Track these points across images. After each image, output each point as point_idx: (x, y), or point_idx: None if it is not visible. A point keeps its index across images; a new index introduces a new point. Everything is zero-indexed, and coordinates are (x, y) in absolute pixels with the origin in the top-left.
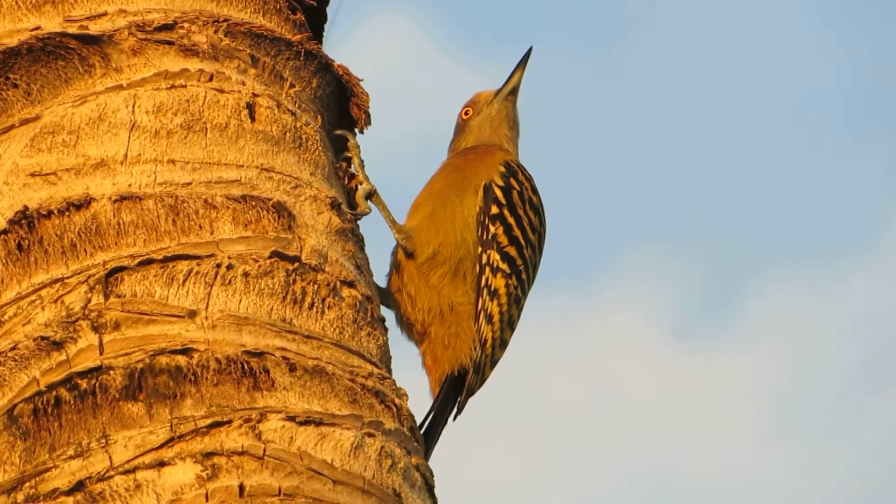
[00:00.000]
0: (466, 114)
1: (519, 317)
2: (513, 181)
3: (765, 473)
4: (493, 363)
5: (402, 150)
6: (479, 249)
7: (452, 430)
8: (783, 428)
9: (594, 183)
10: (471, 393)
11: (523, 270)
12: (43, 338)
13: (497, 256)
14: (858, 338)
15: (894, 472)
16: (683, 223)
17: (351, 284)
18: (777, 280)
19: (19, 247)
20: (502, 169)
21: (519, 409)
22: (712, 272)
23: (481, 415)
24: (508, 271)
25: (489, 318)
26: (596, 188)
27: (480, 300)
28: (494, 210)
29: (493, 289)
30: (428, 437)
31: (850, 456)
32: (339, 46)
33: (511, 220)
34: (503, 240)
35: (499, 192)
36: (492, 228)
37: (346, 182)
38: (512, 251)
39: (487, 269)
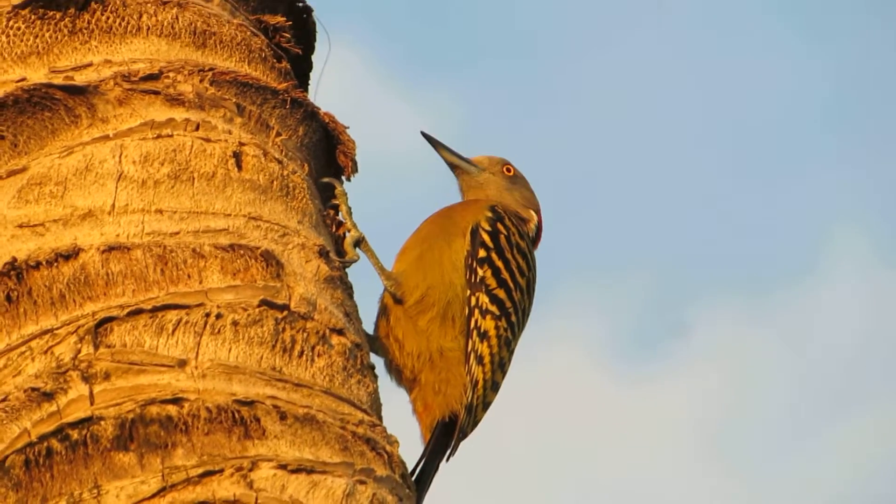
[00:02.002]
0: (508, 171)
1: (510, 360)
2: (500, 225)
3: (707, 501)
4: (486, 406)
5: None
6: (468, 292)
7: (444, 475)
8: (723, 454)
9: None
10: (464, 435)
11: (513, 313)
12: (33, 389)
13: (486, 299)
14: (797, 364)
15: (835, 498)
16: (621, 252)
17: (340, 332)
18: (715, 308)
19: (8, 298)
20: (489, 214)
21: (472, 444)
22: (650, 301)
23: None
24: (498, 313)
25: (479, 360)
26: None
27: (470, 342)
28: (482, 253)
29: (482, 331)
30: (419, 483)
31: (791, 482)
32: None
33: (499, 263)
34: (491, 282)
35: (486, 236)
36: (480, 271)
37: (333, 230)
38: (501, 293)
39: (476, 311)
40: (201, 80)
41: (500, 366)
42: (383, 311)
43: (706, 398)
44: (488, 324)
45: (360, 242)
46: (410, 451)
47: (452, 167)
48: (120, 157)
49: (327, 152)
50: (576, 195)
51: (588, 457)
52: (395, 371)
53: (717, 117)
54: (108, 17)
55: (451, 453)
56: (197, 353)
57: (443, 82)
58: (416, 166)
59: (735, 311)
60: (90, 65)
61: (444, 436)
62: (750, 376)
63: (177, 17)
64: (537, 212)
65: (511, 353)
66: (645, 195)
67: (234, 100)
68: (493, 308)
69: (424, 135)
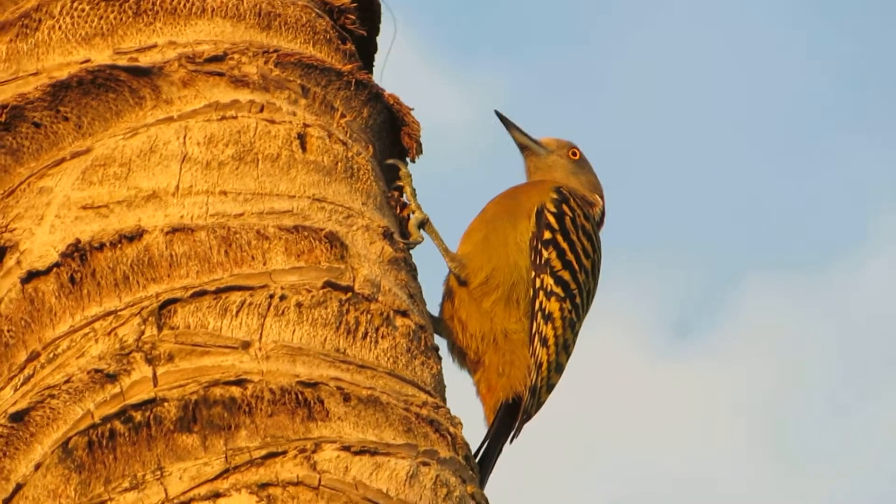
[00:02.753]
0: (574, 154)
1: (574, 342)
2: (565, 207)
3: (753, 480)
4: (550, 388)
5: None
6: (533, 274)
7: (508, 457)
8: (770, 434)
9: None
10: (528, 417)
11: (577, 295)
12: (97, 370)
13: (551, 281)
14: (843, 343)
15: (881, 476)
16: (665, 231)
17: (404, 314)
18: (760, 287)
19: (72, 279)
20: (554, 195)
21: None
22: (694, 280)
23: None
24: (562, 295)
25: (544, 342)
26: None
27: (535, 324)
28: (547, 235)
29: (547, 312)
30: (483, 465)
31: (836, 460)
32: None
33: (564, 245)
34: (556, 264)
35: (551, 218)
36: (545, 253)
37: (398, 211)
38: (566, 275)
39: (541, 293)
40: (266, 62)
41: (565, 347)
42: (448, 294)
43: (752, 378)
44: (553, 305)
45: (424, 224)
46: (474, 433)
47: (522, 148)
48: (184, 138)
49: (392, 134)
50: (619, 176)
51: (633, 438)
52: (459, 353)
53: (761, 94)
54: None
55: (515, 435)
56: (261, 334)
57: (488, 64)
58: (464, 146)
59: (780, 290)
60: (154, 46)
61: (508, 417)
62: (797, 354)
63: None
64: (602, 196)
65: (575, 334)
66: (690, 175)
67: (298, 81)
68: (558, 290)
69: (498, 114)
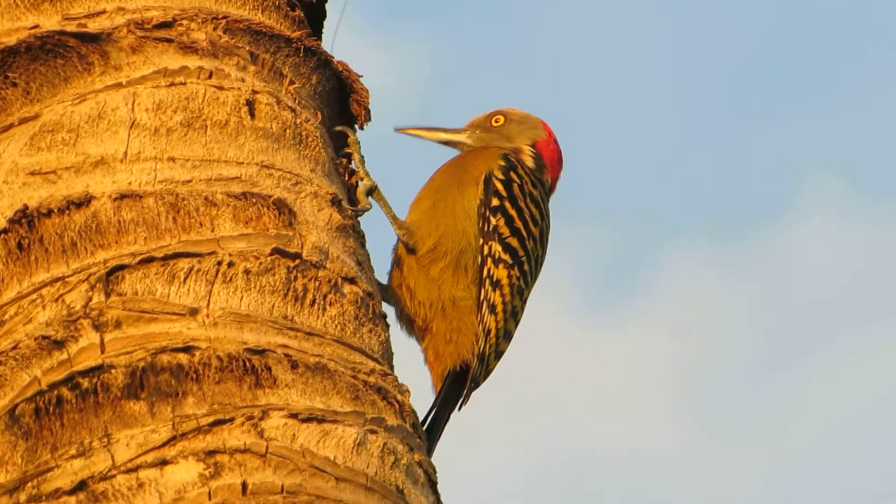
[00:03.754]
0: (497, 121)
1: (523, 309)
2: (513, 174)
3: (675, 448)
4: (498, 355)
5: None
6: (481, 241)
7: (456, 424)
8: (690, 401)
9: None
10: (476, 384)
11: (525, 262)
12: (44, 337)
13: (499, 247)
14: (765, 312)
15: (800, 446)
16: (587, 196)
17: (352, 281)
18: (683, 254)
19: (20, 246)
20: (502, 162)
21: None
22: (618, 246)
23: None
24: (510, 262)
25: (492, 308)
26: None
27: (483, 291)
28: (495, 202)
29: (495, 279)
30: (430, 433)
31: (757, 429)
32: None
33: (512, 212)
34: (504, 231)
35: (499, 185)
36: (493, 220)
37: (346, 178)
38: (514, 242)
39: (489, 259)
40: (215, 28)
41: (513, 315)
42: (396, 261)
43: (674, 344)
44: (501, 272)
45: (372, 191)
46: (422, 400)
47: (446, 144)
48: (133, 104)
49: (341, 101)
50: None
51: (552, 405)
52: (407, 320)
53: (687, 58)
54: None
55: (463, 403)
56: (208, 301)
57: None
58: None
59: (705, 257)
60: (103, 12)
61: (456, 385)
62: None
63: None
64: (536, 141)
65: (524, 302)
66: (612, 139)
67: (247, 48)
68: (506, 257)
69: (401, 130)
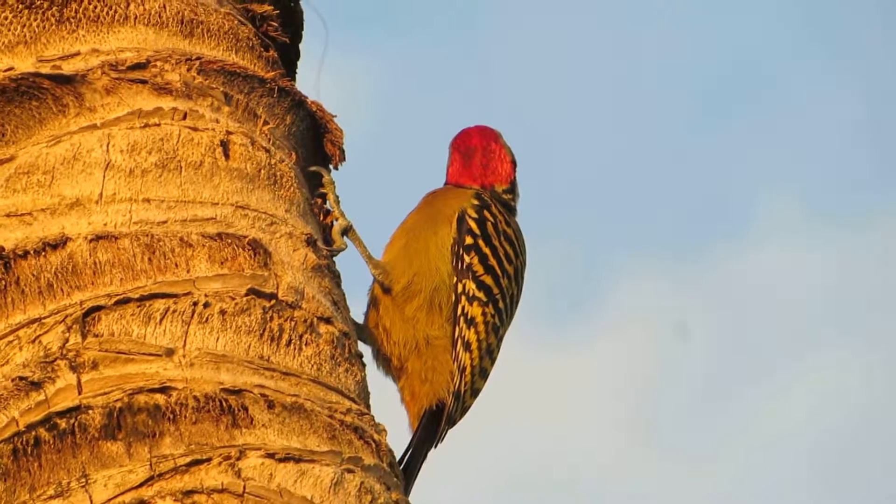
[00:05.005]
0: None
1: (498, 347)
2: (486, 213)
3: (623, 467)
4: (475, 392)
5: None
6: (455, 279)
7: (433, 462)
8: (640, 420)
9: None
10: (452, 423)
11: (500, 299)
12: (21, 378)
13: (473, 285)
14: (717, 330)
15: (756, 466)
16: (542, 213)
17: (328, 321)
18: (638, 272)
19: None
20: (475, 201)
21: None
22: (569, 262)
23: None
24: (485, 300)
25: (467, 346)
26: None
27: (457, 328)
28: (469, 241)
29: (469, 317)
30: (407, 472)
31: (709, 449)
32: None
33: (486, 250)
34: (479, 269)
35: (472, 224)
36: (466, 258)
37: (321, 218)
38: (488, 280)
39: (463, 297)
40: (189, 69)
41: (489, 352)
42: (372, 301)
43: (626, 365)
44: (475, 310)
45: (347, 231)
46: (399, 439)
47: None
48: (107, 146)
49: (315, 141)
50: None
51: (506, 425)
52: (383, 360)
53: (643, 74)
54: (95, 6)
55: (439, 441)
56: (185, 341)
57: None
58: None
59: (660, 274)
60: (78, 54)
61: (433, 424)
62: (672, 342)
63: (164, 6)
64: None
65: (500, 339)
66: (566, 155)
67: (221, 89)
68: (481, 294)
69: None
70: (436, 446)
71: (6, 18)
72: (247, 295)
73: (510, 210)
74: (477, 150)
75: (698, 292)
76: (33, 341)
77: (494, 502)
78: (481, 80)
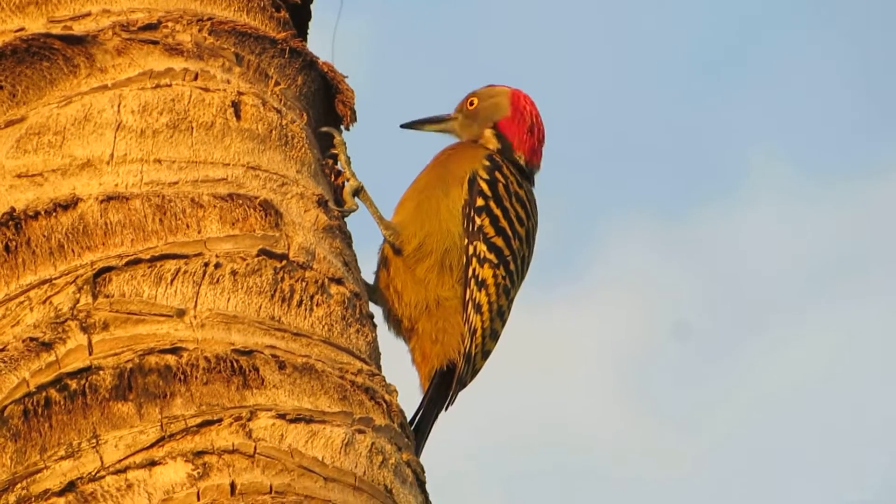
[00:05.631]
0: (471, 104)
1: (509, 308)
2: (497, 174)
3: (619, 430)
4: (485, 354)
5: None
6: (466, 241)
7: (443, 423)
8: (630, 381)
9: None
10: (462, 385)
11: (511, 261)
12: (32, 339)
13: (484, 247)
14: (711, 292)
15: (742, 428)
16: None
17: (339, 281)
18: (628, 232)
19: (7, 248)
20: (486, 162)
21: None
22: (561, 223)
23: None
24: (496, 262)
25: (478, 308)
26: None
27: (468, 290)
28: (480, 202)
29: (480, 279)
30: (418, 432)
31: (701, 411)
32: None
33: (497, 212)
34: (490, 230)
35: (484, 185)
36: (478, 220)
37: (332, 179)
38: (499, 241)
39: (474, 259)
40: (200, 30)
41: (500, 314)
42: (383, 262)
43: (616, 325)
44: (486, 272)
45: (358, 191)
46: (409, 400)
47: (442, 132)
48: (118, 106)
49: (326, 102)
50: None
51: (496, 386)
52: (394, 321)
53: (632, 35)
54: None
55: (450, 403)
56: (195, 302)
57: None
58: None
59: (650, 235)
60: (88, 14)
61: (444, 385)
62: (662, 302)
63: None
64: (497, 121)
65: (510, 301)
66: (556, 113)
67: (232, 49)
68: (492, 256)
69: (405, 126)
70: (447, 409)
71: None
72: (258, 255)
73: (523, 174)
74: (536, 130)
75: (691, 251)
76: (44, 302)
77: (496, 458)
78: (486, 39)
